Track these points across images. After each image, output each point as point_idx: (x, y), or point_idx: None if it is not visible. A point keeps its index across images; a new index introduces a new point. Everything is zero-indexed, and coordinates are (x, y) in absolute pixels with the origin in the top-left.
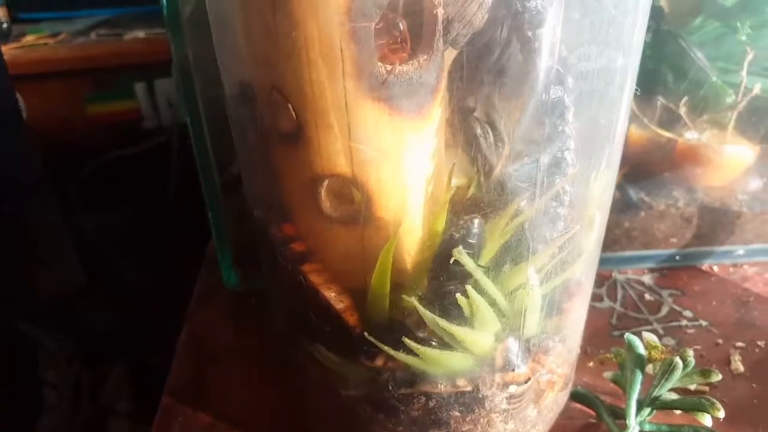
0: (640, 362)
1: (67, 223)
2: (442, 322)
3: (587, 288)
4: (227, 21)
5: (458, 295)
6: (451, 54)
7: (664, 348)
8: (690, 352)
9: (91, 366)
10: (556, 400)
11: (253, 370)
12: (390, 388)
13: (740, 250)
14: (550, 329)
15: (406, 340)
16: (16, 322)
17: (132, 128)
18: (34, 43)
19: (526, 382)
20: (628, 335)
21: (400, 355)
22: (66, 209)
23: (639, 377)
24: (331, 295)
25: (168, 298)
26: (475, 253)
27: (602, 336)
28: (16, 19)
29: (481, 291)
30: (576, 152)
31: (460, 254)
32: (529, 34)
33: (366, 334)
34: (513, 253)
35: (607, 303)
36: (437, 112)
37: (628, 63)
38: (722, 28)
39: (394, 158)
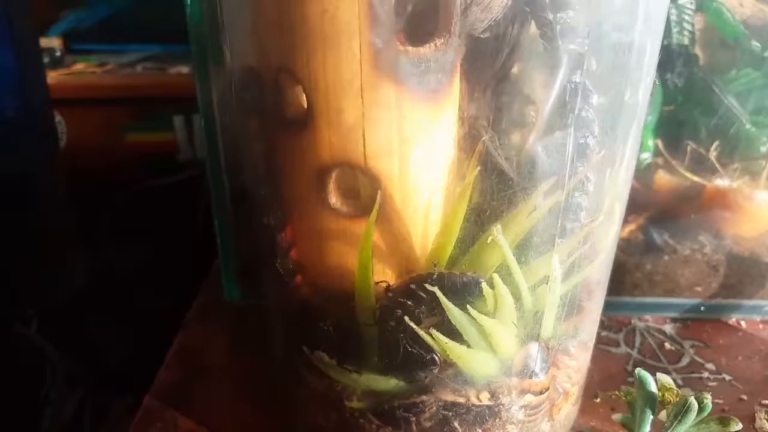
0: (652, 401)
1: (76, 230)
2: (473, 312)
3: (603, 290)
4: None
5: (483, 284)
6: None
7: (679, 391)
8: (708, 396)
9: (98, 392)
10: (568, 415)
11: (243, 388)
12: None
13: None
14: (569, 331)
15: (434, 332)
16: (24, 332)
17: (167, 159)
18: (83, 71)
19: (542, 393)
20: (639, 371)
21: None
22: (93, 236)
23: (649, 417)
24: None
25: None
26: None
27: (616, 381)
28: (70, 49)
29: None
30: (599, 138)
31: (498, 234)
32: (550, 17)
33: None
34: (536, 243)
35: (624, 349)
36: (454, 99)
37: (646, 41)
38: (760, 79)
39: (409, 146)
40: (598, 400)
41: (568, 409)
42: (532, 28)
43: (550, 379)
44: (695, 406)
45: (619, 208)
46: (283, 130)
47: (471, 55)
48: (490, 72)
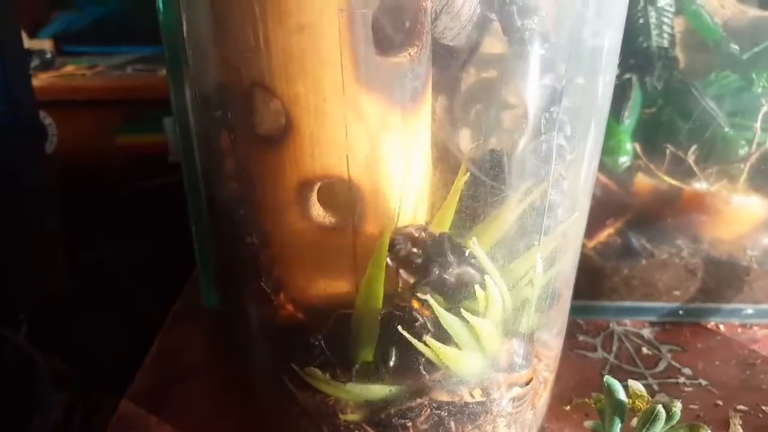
0: (620, 409)
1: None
2: (466, 315)
3: (573, 281)
4: (204, 14)
5: (477, 287)
6: None
7: (650, 399)
8: (677, 403)
9: (88, 395)
10: (546, 401)
11: (221, 394)
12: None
13: (749, 309)
14: (549, 322)
15: (428, 339)
16: (13, 334)
17: (158, 161)
18: (73, 73)
19: (527, 384)
20: (607, 378)
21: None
22: (84, 237)
23: (617, 426)
24: None
25: None
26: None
27: (591, 387)
28: (61, 51)
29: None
30: (574, 138)
31: (474, 245)
32: (518, 23)
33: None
34: (520, 242)
35: (600, 353)
36: (428, 106)
37: (604, 42)
38: (738, 81)
39: (392, 155)
40: (568, 408)
41: (546, 396)
42: (498, 33)
43: (533, 369)
44: (663, 414)
45: (586, 203)
46: (260, 145)
47: (439, 62)
48: (459, 78)
